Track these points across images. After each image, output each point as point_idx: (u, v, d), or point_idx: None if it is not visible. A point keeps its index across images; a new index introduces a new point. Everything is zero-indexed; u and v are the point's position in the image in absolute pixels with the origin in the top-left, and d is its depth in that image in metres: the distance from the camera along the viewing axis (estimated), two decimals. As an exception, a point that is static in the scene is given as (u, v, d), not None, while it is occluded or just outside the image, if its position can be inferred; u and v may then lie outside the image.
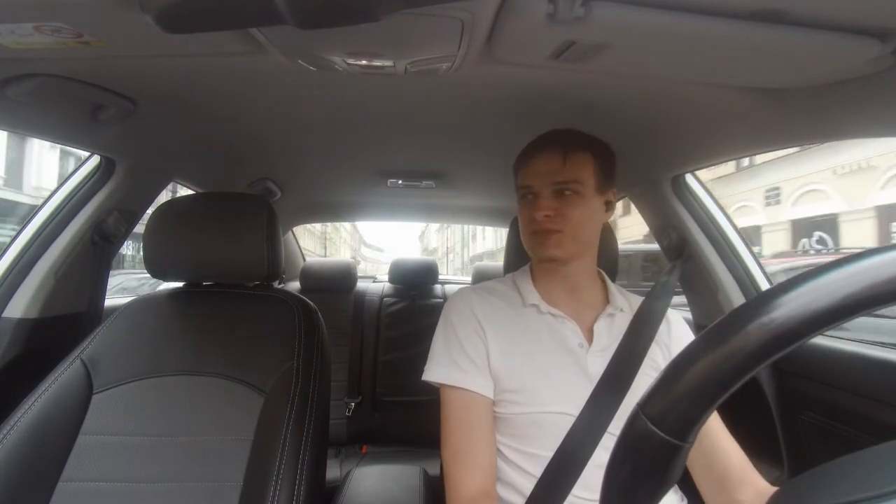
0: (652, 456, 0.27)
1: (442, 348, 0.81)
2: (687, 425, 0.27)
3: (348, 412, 1.99)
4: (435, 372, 0.80)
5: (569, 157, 0.78)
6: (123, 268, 6.59)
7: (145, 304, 1.00)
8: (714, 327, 0.27)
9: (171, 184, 1.43)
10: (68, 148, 1.23)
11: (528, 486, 0.72)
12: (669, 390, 0.27)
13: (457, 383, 0.77)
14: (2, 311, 1.04)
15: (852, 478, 0.27)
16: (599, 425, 0.68)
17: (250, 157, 1.37)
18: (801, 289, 0.25)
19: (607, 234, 1.00)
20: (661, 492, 0.28)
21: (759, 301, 0.26)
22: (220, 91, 0.87)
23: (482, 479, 0.73)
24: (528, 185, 0.80)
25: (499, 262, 1.57)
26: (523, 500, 0.68)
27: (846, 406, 0.97)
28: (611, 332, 0.80)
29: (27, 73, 0.73)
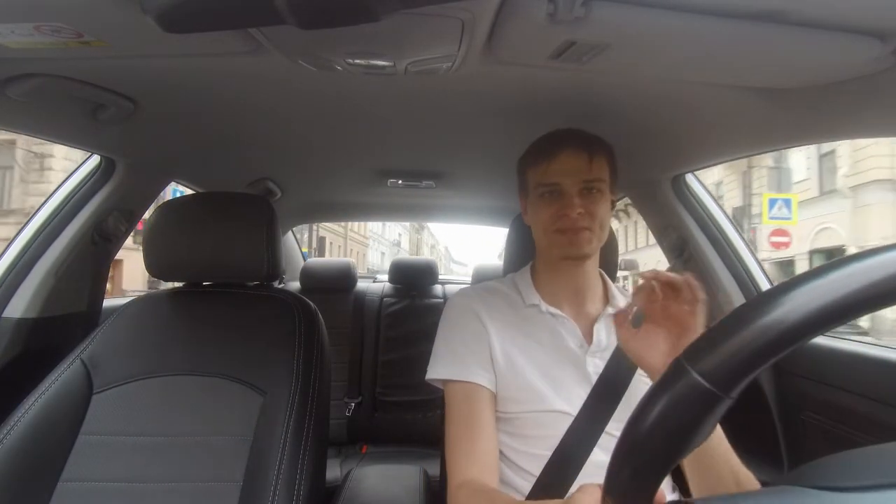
0: (690, 406, 0.27)
1: (444, 346, 0.81)
2: (733, 379, 0.27)
3: (348, 412, 1.99)
4: (438, 370, 0.80)
5: (594, 156, 0.79)
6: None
7: (145, 305, 1.00)
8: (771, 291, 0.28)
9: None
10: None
11: (528, 486, 0.72)
12: (722, 344, 0.27)
13: (460, 377, 0.77)
14: (2, 311, 1.04)
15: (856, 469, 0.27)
16: (597, 425, 0.69)
17: (250, 157, 1.37)
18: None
19: (608, 235, 1.00)
20: (689, 447, 0.28)
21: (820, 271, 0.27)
22: (220, 91, 0.87)
23: (481, 466, 0.73)
24: (555, 182, 0.78)
25: (499, 262, 1.56)
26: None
27: (846, 406, 0.97)
28: (610, 332, 0.80)
29: (27, 73, 0.73)
